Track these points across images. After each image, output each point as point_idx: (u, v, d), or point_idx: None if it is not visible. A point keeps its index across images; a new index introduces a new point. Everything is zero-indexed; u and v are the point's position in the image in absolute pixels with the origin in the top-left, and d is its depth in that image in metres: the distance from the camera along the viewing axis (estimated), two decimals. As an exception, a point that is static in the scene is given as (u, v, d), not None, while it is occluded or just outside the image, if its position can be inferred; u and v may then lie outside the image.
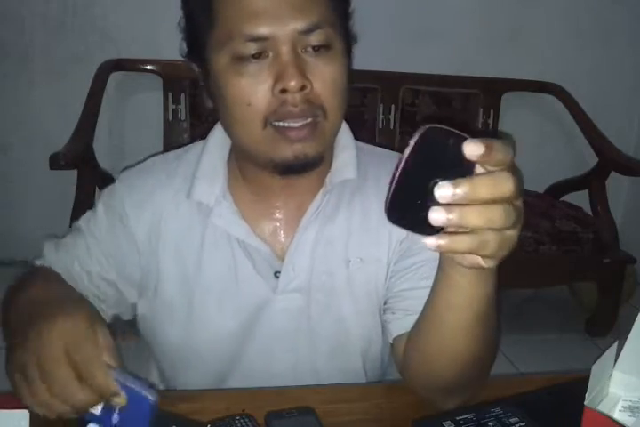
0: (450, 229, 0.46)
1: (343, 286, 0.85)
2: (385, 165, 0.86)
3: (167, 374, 0.93)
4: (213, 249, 0.84)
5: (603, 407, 0.64)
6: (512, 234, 0.48)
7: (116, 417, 0.56)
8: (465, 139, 0.43)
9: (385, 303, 0.86)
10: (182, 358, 0.88)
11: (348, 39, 0.81)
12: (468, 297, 0.61)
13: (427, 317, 0.69)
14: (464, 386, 0.73)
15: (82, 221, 0.89)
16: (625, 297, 2.43)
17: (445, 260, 0.59)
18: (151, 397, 0.56)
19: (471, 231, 0.46)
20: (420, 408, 0.72)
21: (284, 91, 0.72)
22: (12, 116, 2.63)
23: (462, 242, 0.45)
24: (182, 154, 0.90)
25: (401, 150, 0.46)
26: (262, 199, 0.85)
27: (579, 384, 0.62)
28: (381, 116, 2.53)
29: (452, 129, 0.44)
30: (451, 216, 0.43)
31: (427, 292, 0.75)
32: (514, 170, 0.46)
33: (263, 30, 0.71)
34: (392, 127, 2.54)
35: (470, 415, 0.67)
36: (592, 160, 2.45)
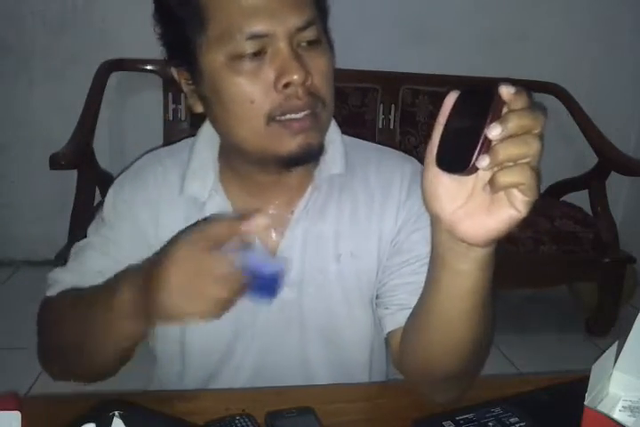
0: (484, 174, 0.54)
1: (334, 280, 0.86)
2: (370, 161, 0.89)
3: (165, 376, 0.93)
4: None
5: (603, 407, 0.64)
6: (537, 168, 0.54)
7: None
8: (493, 93, 0.53)
9: (377, 297, 0.87)
10: (178, 351, 0.88)
11: (329, 36, 0.82)
12: (469, 285, 0.62)
13: (427, 307, 0.70)
14: (460, 377, 0.74)
15: (93, 234, 0.88)
16: (625, 297, 2.43)
17: (448, 249, 0.61)
18: (277, 266, 0.63)
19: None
20: (420, 408, 0.72)
21: (287, 85, 0.73)
22: (11, 116, 2.63)
23: (509, 174, 0.52)
24: (174, 151, 0.90)
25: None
26: (254, 196, 0.85)
27: (579, 384, 0.62)
28: (381, 116, 2.53)
29: (483, 88, 0.55)
30: (492, 156, 0.51)
31: (418, 286, 0.76)
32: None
33: (263, 28, 0.72)
34: (392, 127, 2.54)
35: (470, 415, 0.67)
36: (592, 160, 2.45)
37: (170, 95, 2.42)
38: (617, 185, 2.61)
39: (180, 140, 0.92)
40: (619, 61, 2.82)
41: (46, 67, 2.58)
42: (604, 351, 0.63)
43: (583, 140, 2.49)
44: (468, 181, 0.56)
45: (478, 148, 0.51)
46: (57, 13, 2.54)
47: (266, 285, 0.63)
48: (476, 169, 0.52)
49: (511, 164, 0.52)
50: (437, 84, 2.55)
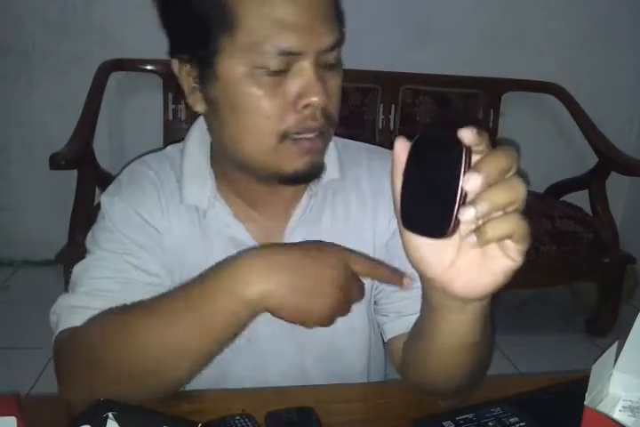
0: (467, 227, 0.47)
1: None
2: (360, 164, 0.88)
3: None
4: (211, 250, 0.82)
5: (603, 407, 0.63)
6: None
7: None
8: (456, 139, 0.45)
9: (375, 303, 0.86)
10: None
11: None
12: (465, 330, 0.61)
13: (422, 342, 0.69)
14: (461, 391, 0.74)
15: (99, 248, 0.80)
16: (625, 297, 2.43)
17: (442, 305, 0.58)
18: None
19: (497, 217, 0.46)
20: (420, 408, 0.72)
21: (306, 105, 0.71)
22: (12, 116, 2.63)
23: (498, 225, 0.46)
24: (162, 156, 0.87)
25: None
26: (250, 204, 0.84)
27: (579, 384, 0.62)
28: (381, 116, 2.53)
29: (442, 133, 0.46)
30: (479, 207, 0.44)
31: (415, 293, 0.76)
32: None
33: (296, 45, 0.69)
34: (392, 127, 2.54)
35: (470, 415, 0.67)
36: (592, 160, 2.45)
37: (170, 95, 2.43)
38: (617, 185, 2.61)
39: (179, 140, 0.91)
40: (619, 61, 2.82)
41: (46, 67, 2.58)
42: (604, 351, 0.63)
43: (583, 140, 2.49)
44: (452, 237, 0.50)
45: (457, 205, 0.44)
46: (57, 13, 2.54)
47: None
48: (457, 228, 0.46)
49: (499, 213, 0.46)
50: (437, 84, 2.55)
